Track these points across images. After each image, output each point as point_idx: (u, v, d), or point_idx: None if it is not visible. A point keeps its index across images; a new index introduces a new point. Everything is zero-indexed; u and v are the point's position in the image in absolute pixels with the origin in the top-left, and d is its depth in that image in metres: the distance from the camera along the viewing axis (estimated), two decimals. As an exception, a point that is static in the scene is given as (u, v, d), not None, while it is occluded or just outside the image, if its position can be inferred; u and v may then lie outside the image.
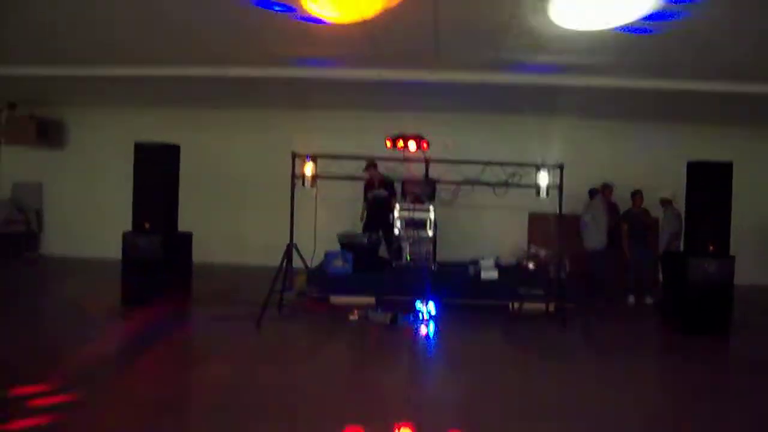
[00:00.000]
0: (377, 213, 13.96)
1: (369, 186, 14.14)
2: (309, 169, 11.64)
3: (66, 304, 11.78)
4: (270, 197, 15.52)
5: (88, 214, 17.23)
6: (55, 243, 17.82)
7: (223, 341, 9.59)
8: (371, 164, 13.76)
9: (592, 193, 14.20)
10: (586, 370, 8.79)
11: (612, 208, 14.18)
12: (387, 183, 13.99)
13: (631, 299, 13.50)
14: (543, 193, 11.71)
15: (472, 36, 9.57)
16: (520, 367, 8.96)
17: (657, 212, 13.76)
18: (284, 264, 11.25)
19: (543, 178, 11.64)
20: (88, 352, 8.60)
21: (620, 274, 13.61)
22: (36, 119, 16.97)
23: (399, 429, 6.05)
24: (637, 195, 13.75)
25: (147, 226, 11.65)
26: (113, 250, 14.61)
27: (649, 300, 13.30)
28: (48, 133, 17.30)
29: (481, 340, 10.39)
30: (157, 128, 14.74)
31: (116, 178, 15.96)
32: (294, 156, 11.68)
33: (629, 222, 13.61)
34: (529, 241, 15.10)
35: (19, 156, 17.64)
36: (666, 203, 13.30)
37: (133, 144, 11.90)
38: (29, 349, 8.68)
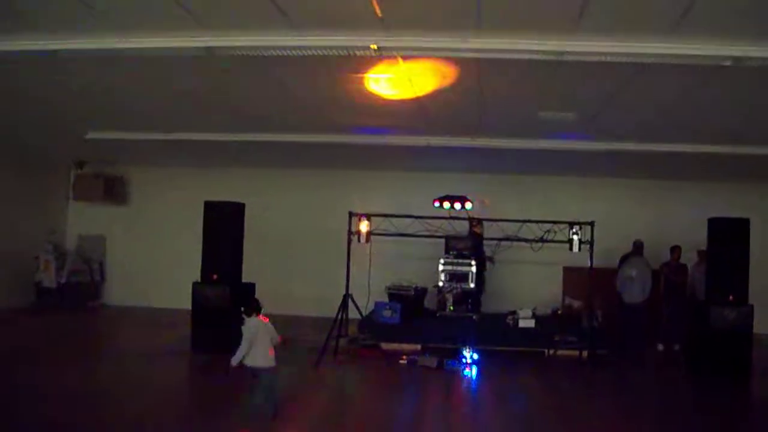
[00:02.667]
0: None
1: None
2: (364, 226, 12.73)
3: (143, 349, 12.75)
4: (320, 252, 16.62)
5: (148, 266, 18.13)
6: (116, 293, 18.75)
7: (289, 381, 10.66)
8: (478, 221, 14.52)
9: (636, 248, 14.45)
10: (612, 404, 9.79)
11: (680, 268, 14.58)
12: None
13: (660, 346, 14.24)
14: (576, 248, 12.63)
15: (511, 109, 10.59)
16: (552, 403, 10.00)
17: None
18: (340, 313, 12.28)
19: (575, 235, 12.55)
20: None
21: (652, 324, 14.15)
22: (102, 177, 18.15)
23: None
24: (675, 249, 14.41)
25: (215, 277, 12.62)
26: (172, 300, 15.84)
27: (677, 347, 13.92)
28: (113, 190, 18.40)
29: (518, 382, 11.34)
30: (215, 187, 15.87)
31: (176, 233, 17.23)
32: (351, 215, 12.78)
33: (667, 276, 14.33)
34: (564, 293, 15.79)
35: (85, 210, 18.78)
36: (703, 255, 13.70)
37: (203, 202, 12.95)
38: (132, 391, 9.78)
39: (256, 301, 9.08)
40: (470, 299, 14.22)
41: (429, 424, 8.66)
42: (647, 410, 9.70)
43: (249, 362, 8.48)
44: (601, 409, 9.67)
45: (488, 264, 15.12)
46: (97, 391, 9.68)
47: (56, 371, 10.69)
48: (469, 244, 14.04)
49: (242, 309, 10.11)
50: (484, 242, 14.34)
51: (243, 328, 9.09)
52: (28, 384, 9.69)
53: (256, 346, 8.68)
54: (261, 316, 8.70)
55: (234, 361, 8.74)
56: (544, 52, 7.12)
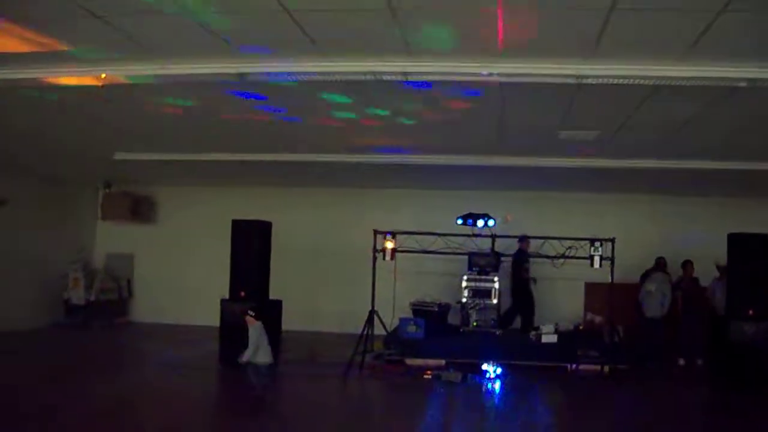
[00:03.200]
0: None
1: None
2: (390, 243, 13.02)
3: (173, 363, 13.09)
4: (345, 269, 16.84)
5: (175, 283, 18.37)
6: (143, 310, 19.07)
7: (317, 394, 11.00)
8: (527, 237, 14.85)
9: (657, 264, 14.66)
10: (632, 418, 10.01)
11: (694, 282, 14.72)
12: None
13: (682, 361, 14.33)
14: (596, 264, 12.86)
15: (531, 130, 10.84)
16: (574, 416, 10.32)
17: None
18: (366, 328, 12.53)
19: (596, 251, 12.78)
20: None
21: (672, 338, 14.32)
22: (130, 196, 18.49)
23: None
24: (688, 264, 14.58)
25: (243, 294, 12.91)
26: (199, 317, 16.15)
27: (699, 361, 13.99)
28: (140, 209, 18.72)
29: (541, 396, 11.56)
30: (240, 204, 16.35)
31: (202, 251, 17.53)
32: (376, 232, 13.06)
33: (684, 290, 14.50)
34: (585, 308, 15.98)
35: (113, 229, 19.09)
36: (723, 269, 13.79)
37: (230, 221, 13.35)
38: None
39: (260, 308, 11.01)
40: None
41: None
42: (668, 424, 9.93)
43: (254, 359, 9.54)
44: (622, 424, 9.86)
45: (531, 284, 15.44)
46: (131, 402, 10.07)
47: (90, 384, 11.06)
48: (492, 261, 14.23)
49: (251, 313, 10.94)
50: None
51: (251, 329, 10.13)
52: (65, 395, 10.12)
53: (261, 345, 9.80)
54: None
55: (245, 358, 9.78)
56: (563, 76, 7.38)
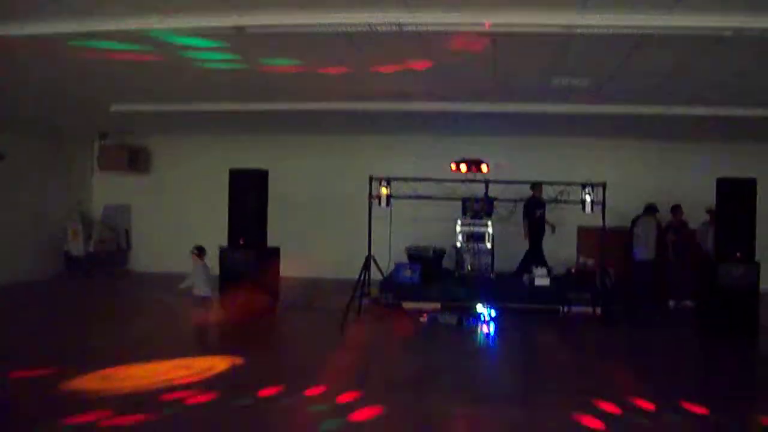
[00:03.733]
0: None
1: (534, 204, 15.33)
2: (385, 190, 13.23)
3: (174, 309, 13.40)
4: (342, 216, 17.17)
5: (173, 233, 18.47)
6: (142, 260, 19.41)
7: (317, 338, 11.37)
8: (539, 185, 14.92)
9: (647, 209, 14.88)
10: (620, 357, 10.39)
11: (683, 225, 15.08)
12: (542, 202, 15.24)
13: (672, 303, 14.74)
14: (588, 209, 13.10)
15: (524, 77, 11.00)
16: (564, 355, 10.66)
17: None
18: (363, 274, 12.81)
19: (588, 195, 13.02)
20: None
21: (662, 281, 14.71)
22: (126, 147, 18.62)
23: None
24: (677, 209, 14.91)
25: (242, 242, 13.15)
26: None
27: (689, 303, 14.24)
28: (137, 160, 18.87)
29: (533, 337, 12.04)
30: (236, 154, 16.46)
31: (199, 200, 17.72)
32: (371, 179, 13.26)
33: (673, 234, 14.79)
34: (578, 253, 16.13)
35: (110, 180, 19.31)
36: (713, 214, 13.95)
37: (227, 170, 13.48)
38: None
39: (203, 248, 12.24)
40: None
41: (448, 373, 9.19)
42: (654, 363, 10.34)
43: (195, 292, 10.17)
44: (611, 362, 10.18)
45: (548, 229, 15.71)
46: (136, 341, 10.62)
47: (94, 328, 11.67)
48: (486, 205, 14.42)
49: (195, 252, 11.39)
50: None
51: (194, 267, 10.75)
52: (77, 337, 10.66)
53: (199, 280, 10.43)
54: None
55: (182, 285, 10.47)
56: (554, 26, 7.57)
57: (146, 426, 6.63)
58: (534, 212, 15.17)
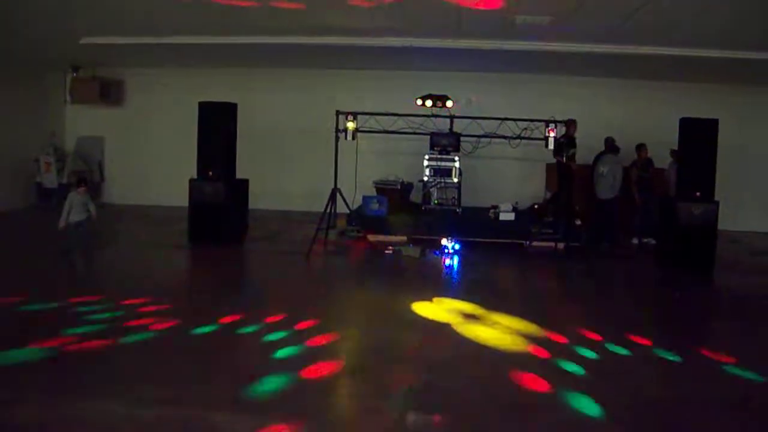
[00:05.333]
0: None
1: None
2: (351, 124, 13.35)
3: (145, 242, 13.66)
4: (310, 149, 17.27)
5: (146, 165, 18.78)
6: (115, 192, 19.39)
7: (281, 268, 11.61)
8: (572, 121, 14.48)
9: (608, 145, 14.85)
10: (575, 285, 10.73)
11: (647, 163, 15.08)
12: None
13: (635, 240, 14.99)
14: (551, 145, 13.27)
15: (488, 13, 11.07)
16: (521, 283, 11.19)
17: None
18: (329, 206, 13.00)
19: (551, 132, 13.17)
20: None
21: (626, 219, 14.84)
22: (98, 80, 18.51)
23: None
24: (642, 147, 14.97)
25: (211, 174, 13.23)
26: (170, 198, 16.52)
27: (651, 241, 14.51)
28: (109, 92, 18.75)
29: (493, 267, 12.43)
30: (208, 86, 16.52)
31: (171, 132, 17.77)
32: (338, 113, 13.37)
33: (638, 172, 14.94)
34: (546, 189, 16.38)
35: (83, 113, 19.20)
36: (676, 154, 14.18)
37: (197, 103, 13.44)
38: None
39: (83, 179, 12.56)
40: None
41: (402, 302, 9.36)
42: (606, 296, 10.78)
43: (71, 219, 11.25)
44: (563, 294, 10.72)
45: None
46: (107, 277, 10.80)
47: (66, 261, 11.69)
48: (453, 140, 14.53)
49: (80, 182, 12.32)
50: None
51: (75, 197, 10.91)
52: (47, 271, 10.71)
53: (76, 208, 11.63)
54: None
55: (62, 223, 10.58)
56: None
57: (110, 350, 6.84)
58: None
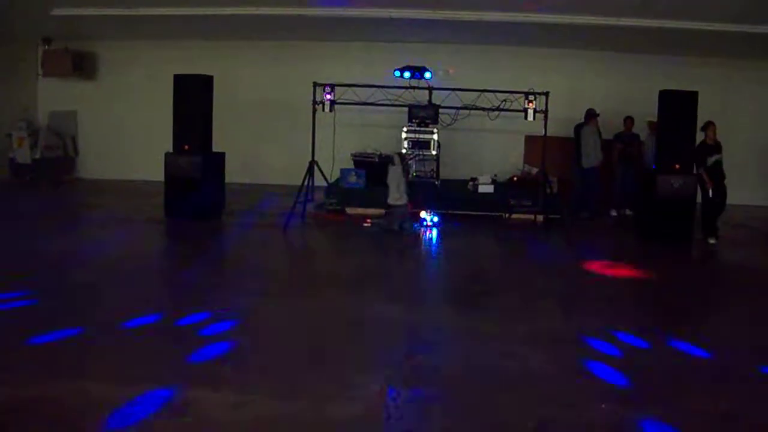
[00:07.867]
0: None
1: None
2: (328, 96, 13.20)
3: (123, 217, 13.45)
4: (287, 122, 17.06)
5: (120, 139, 18.50)
6: (89, 167, 19.09)
7: (259, 241, 11.52)
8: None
9: (588, 116, 14.83)
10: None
11: (633, 136, 15.21)
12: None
13: (614, 212, 15.08)
14: (530, 117, 13.15)
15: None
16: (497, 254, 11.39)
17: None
18: (307, 179, 12.87)
19: (530, 104, 13.07)
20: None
21: (606, 190, 14.97)
22: (71, 52, 18.16)
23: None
24: (628, 120, 15.10)
25: (187, 147, 13.03)
26: (145, 172, 16.34)
27: (629, 212, 14.66)
28: (82, 65, 18.46)
29: (472, 239, 12.44)
30: (182, 59, 16.06)
31: (146, 106, 17.55)
32: (315, 85, 13.21)
33: (621, 144, 15.01)
34: (525, 161, 16.37)
35: (55, 86, 18.82)
36: (653, 126, 14.16)
37: (172, 75, 13.23)
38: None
39: None
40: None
41: (379, 274, 9.47)
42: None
43: None
44: (536, 265, 10.70)
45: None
46: (83, 251, 10.48)
47: (43, 236, 11.37)
48: (431, 112, 14.37)
49: None
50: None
51: None
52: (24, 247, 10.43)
53: None
54: None
55: None
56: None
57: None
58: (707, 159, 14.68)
